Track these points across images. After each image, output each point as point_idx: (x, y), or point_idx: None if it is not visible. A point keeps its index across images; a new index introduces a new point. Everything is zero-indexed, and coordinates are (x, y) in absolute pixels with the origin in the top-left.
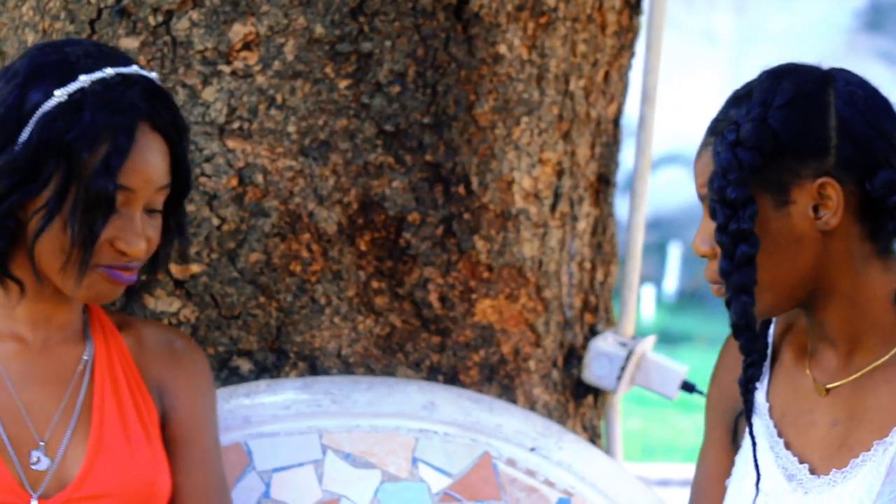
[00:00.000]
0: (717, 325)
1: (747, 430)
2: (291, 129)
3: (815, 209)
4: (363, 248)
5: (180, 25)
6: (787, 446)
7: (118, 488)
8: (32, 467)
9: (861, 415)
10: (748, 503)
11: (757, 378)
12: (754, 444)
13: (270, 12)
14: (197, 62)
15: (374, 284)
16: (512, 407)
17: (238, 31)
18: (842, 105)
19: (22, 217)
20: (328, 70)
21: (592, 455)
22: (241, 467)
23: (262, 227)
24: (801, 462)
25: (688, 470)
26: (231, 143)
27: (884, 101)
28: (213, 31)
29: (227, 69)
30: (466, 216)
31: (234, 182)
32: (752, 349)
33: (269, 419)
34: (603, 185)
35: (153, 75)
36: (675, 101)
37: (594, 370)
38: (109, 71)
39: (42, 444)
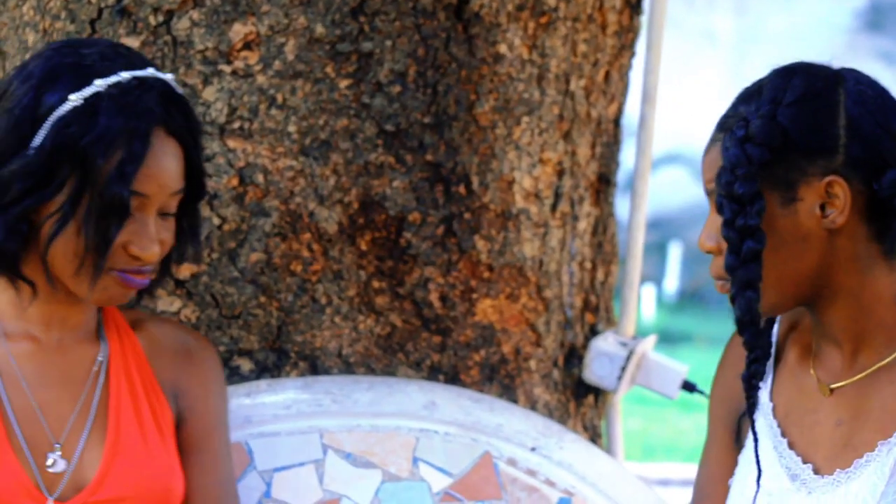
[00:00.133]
0: (718, 325)
1: (750, 427)
2: (292, 128)
3: (822, 207)
4: (364, 247)
5: (181, 25)
6: (791, 446)
7: (135, 491)
8: (49, 469)
9: (865, 415)
10: (751, 502)
11: (760, 374)
12: (756, 440)
13: (271, 12)
14: (197, 62)
15: (375, 284)
16: (513, 407)
17: (238, 31)
18: (851, 104)
19: (35, 220)
20: (329, 70)
21: (593, 455)
22: (241, 467)
23: (262, 227)
24: (805, 462)
25: (688, 470)
26: (231, 143)
27: (893, 102)
28: (214, 30)
29: (227, 69)
30: (467, 216)
31: (235, 182)
32: (756, 345)
33: (270, 419)
34: (603, 184)
35: (169, 77)
36: (676, 101)
37: (595, 370)
38: (125, 74)
39: (58, 445)
